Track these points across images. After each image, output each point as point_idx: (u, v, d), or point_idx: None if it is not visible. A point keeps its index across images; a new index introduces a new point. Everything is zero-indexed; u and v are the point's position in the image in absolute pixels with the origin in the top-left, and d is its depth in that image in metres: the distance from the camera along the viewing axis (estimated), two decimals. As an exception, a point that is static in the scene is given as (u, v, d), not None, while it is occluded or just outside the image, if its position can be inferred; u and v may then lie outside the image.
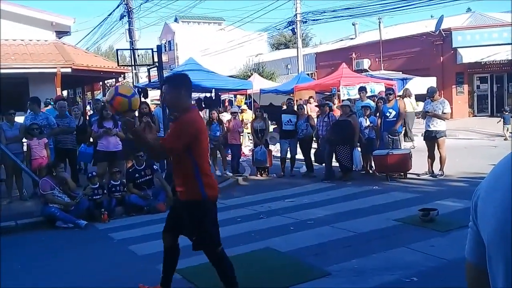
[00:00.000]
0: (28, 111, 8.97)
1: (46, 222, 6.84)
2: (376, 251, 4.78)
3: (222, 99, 20.72)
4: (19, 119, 8.91)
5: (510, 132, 13.92)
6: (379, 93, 13.53)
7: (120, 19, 21.16)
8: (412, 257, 4.57)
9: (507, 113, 14.46)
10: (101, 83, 19.88)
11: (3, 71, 13.47)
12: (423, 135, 9.24)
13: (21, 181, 8.30)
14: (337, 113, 10.87)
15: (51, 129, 8.64)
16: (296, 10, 23.14)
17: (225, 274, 3.69)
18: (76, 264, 5.15)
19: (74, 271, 4.91)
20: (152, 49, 9.62)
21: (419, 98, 20.42)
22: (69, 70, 13.98)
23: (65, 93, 21.82)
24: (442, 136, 8.82)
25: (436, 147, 8.83)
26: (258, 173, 10.44)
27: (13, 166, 8.08)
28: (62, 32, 16.93)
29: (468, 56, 21.24)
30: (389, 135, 9.32)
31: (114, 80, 17.80)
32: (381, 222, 5.90)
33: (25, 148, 8.35)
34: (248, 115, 15.46)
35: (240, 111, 12.12)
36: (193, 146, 3.46)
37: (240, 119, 12.14)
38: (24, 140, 8.41)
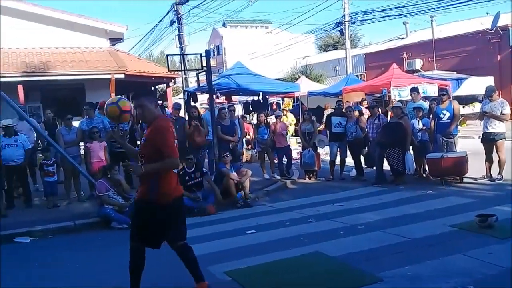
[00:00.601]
0: (85, 116, 9.35)
1: (102, 223, 7.12)
2: (430, 258, 4.61)
3: (269, 102, 20.79)
4: (76, 123, 9.33)
5: None
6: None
7: (170, 25, 21.73)
8: (469, 264, 4.37)
9: None
10: (152, 88, 20.45)
11: (62, 77, 14.19)
12: (481, 137, 8.83)
13: (79, 183, 8.68)
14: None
15: (106, 132, 8.97)
16: (344, 11, 22.84)
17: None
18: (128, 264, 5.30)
19: (125, 270, 5.06)
20: (200, 54, 9.79)
21: (474, 98, 19.65)
22: (122, 76, 14.51)
23: (118, 98, 22.60)
24: (501, 139, 8.40)
25: (494, 149, 8.43)
26: (307, 176, 10.36)
27: (71, 168, 8.46)
28: (115, 39, 17.63)
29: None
30: (443, 138, 8.98)
31: (165, 85, 18.25)
32: (436, 228, 5.69)
33: (81, 151, 8.72)
34: (289, 118, 15.41)
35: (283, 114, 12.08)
36: None
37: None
38: (81, 144, 8.80)
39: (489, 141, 8.50)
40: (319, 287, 4.08)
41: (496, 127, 8.40)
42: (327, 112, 17.95)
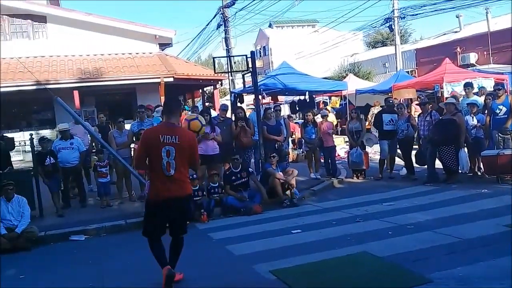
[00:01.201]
0: (137, 118, 9.66)
1: (152, 222, 7.30)
2: (483, 259, 4.40)
3: (316, 101, 20.60)
4: (128, 126, 9.66)
5: None
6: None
7: (217, 28, 22.05)
8: (525, 266, 4.14)
9: None
10: (200, 90, 20.83)
11: (114, 82, 14.74)
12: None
13: (130, 183, 8.97)
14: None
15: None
16: (393, 6, 22.27)
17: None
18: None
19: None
20: (246, 55, 9.86)
21: (535, 92, 18.56)
22: (171, 79, 14.87)
23: (168, 101, 23.18)
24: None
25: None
26: (355, 175, 10.19)
27: (123, 169, 8.76)
28: (164, 44, 18.09)
29: None
30: (499, 134, 8.56)
31: (212, 87, 18.54)
32: (490, 228, 5.43)
33: (132, 153, 9.01)
34: (330, 118, 15.15)
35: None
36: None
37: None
38: (132, 145, 9.09)
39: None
40: (366, 287, 3.99)
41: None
42: (375, 109, 17.61)
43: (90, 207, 8.64)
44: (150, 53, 16.68)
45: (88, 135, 9.71)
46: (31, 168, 8.25)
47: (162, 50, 17.91)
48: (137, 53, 16.49)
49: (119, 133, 9.09)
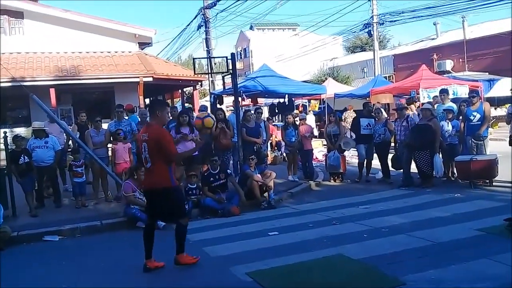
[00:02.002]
0: (115, 118, 9.56)
1: (128, 222, 7.25)
2: (455, 262, 4.50)
3: (295, 104, 20.71)
4: (105, 125, 9.55)
5: None
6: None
7: (198, 29, 21.94)
8: (496, 269, 4.25)
9: None
10: (180, 90, 20.71)
11: (92, 81, 14.54)
12: (509, 139, 8.57)
13: (106, 183, 8.87)
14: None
15: (133, 134, 9.15)
16: (372, 12, 22.58)
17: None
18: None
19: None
20: (226, 57, 9.86)
21: (507, 100, 19.10)
22: (150, 79, 14.75)
23: (147, 101, 23.02)
24: (530, 141, 8.16)
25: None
26: (332, 178, 10.29)
27: (99, 169, 8.66)
28: (144, 43, 17.92)
29: None
30: (473, 140, 8.77)
31: (192, 88, 18.46)
32: (463, 232, 5.56)
33: (109, 153, 8.92)
34: (310, 119, 15.26)
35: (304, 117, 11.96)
36: None
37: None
38: (109, 145, 8.99)
39: (519, 143, 8.26)
40: (340, 289, 4.04)
41: (525, 129, 8.17)
42: (349, 113, 17.86)
43: (65, 207, 8.50)
44: (130, 52, 16.50)
45: (64, 134, 9.57)
46: (4, 167, 8.06)
47: (142, 49, 17.74)
48: (116, 52, 16.29)
49: (96, 132, 8.98)
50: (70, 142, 10.16)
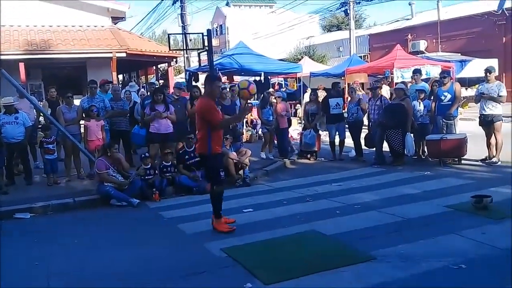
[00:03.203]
0: (88, 94, 9.36)
1: (101, 200, 7.19)
2: (424, 237, 4.66)
3: (271, 82, 20.70)
4: (77, 101, 9.34)
5: None
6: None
7: (173, 4, 21.54)
8: (462, 244, 4.42)
9: None
10: (154, 67, 20.39)
11: (63, 56, 14.16)
12: (479, 119, 8.81)
13: (79, 160, 8.74)
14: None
15: (106, 111, 9.00)
16: (349, -9, 22.55)
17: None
18: (127, 240, 5.39)
19: (124, 246, 5.15)
20: (202, 33, 9.75)
21: (478, 81, 19.55)
22: (123, 54, 14.46)
23: (120, 77, 22.61)
24: (498, 120, 8.40)
25: (492, 131, 8.45)
26: (307, 157, 10.39)
27: (71, 146, 8.51)
28: (117, 18, 17.48)
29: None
30: (443, 119, 8.97)
31: (166, 64, 18.19)
32: (432, 208, 5.73)
33: (82, 130, 8.76)
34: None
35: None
36: None
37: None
38: (81, 122, 8.82)
39: (487, 123, 8.49)
40: (313, 264, 4.13)
41: (494, 108, 8.38)
42: (320, 92, 17.90)
43: (36, 185, 8.35)
44: (102, 26, 16.09)
45: (34, 110, 9.32)
46: (-28, 143, 7.84)
47: (115, 24, 17.30)
48: (88, 26, 15.86)
49: (68, 108, 8.78)
50: (41, 118, 9.94)
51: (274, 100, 10.79)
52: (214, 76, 6.10)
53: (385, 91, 13.86)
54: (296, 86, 22.10)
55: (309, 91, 16.97)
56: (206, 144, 5.35)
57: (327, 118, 10.28)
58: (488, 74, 8.56)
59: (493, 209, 5.41)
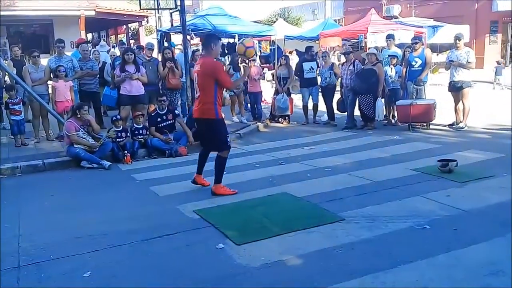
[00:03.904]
0: (55, 53, 9.04)
1: (72, 162, 7.10)
2: (391, 199, 4.81)
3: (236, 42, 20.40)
4: (44, 61, 9.03)
5: (499, 83, 16.17)
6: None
7: (144, -40, 20.66)
8: (427, 206, 4.59)
9: (499, 65, 16.43)
10: (125, 26, 19.79)
11: (29, 13, 13.55)
12: (448, 85, 8.99)
13: (48, 122, 8.55)
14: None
15: (75, 71, 8.75)
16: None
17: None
18: (99, 202, 5.38)
19: (96, 208, 5.14)
20: (174, -9, 9.46)
21: (449, 47, 19.79)
22: (92, 13, 13.97)
23: (89, 35, 21.87)
24: (468, 86, 8.60)
25: (460, 97, 8.66)
26: (279, 121, 10.44)
27: (39, 107, 8.29)
28: (85, -27, 16.71)
29: (504, 3, 20.18)
30: (414, 85, 9.11)
31: (137, 24, 17.67)
32: (399, 172, 5.90)
33: (50, 90, 8.52)
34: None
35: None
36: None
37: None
38: (49, 82, 8.57)
39: (457, 89, 8.68)
40: (284, 225, 4.23)
41: (463, 75, 8.55)
42: (291, 56, 17.80)
43: (3, 146, 8.15)
44: (69, -18, 15.39)
45: (-1, 69, 8.99)
46: None
47: (83, -20, 16.58)
48: (54, -18, 15.14)
49: (35, 68, 8.50)
50: (7, 78, 9.60)
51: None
52: (218, 37, 5.79)
53: None
54: (270, 49, 21.92)
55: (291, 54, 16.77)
56: (213, 108, 5.08)
57: (301, 82, 10.30)
58: (457, 41, 8.68)
59: (458, 172, 5.61)
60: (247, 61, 6.10)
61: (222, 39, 18.54)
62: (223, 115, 5.32)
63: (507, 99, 12.94)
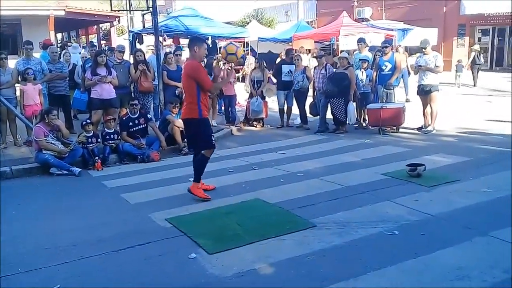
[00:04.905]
0: (23, 55, 8.82)
1: (40, 169, 6.94)
2: (361, 204, 4.90)
3: (219, 46, 20.35)
4: (12, 63, 8.80)
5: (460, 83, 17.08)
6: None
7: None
8: (396, 211, 4.69)
9: (460, 63, 17.40)
10: (96, 26, 19.47)
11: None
12: (417, 89, 9.19)
13: (15, 126, 8.34)
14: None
15: (44, 74, 8.56)
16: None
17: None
18: (68, 210, 5.28)
19: (65, 217, 5.05)
20: (146, -7, 9.37)
21: (419, 50, 20.20)
22: (62, 12, 13.69)
23: (59, 36, 21.43)
24: (436, 90, 8.82)
25: (429, 101, 8.87)
26: (253, 124, 10.46)
27: (6, 111, 8.07)
28: (54, -28, 16.36)
29: (471, 7, 20.76)
30: (384, 89, 9.27)
31: (108, 24, 17.41)
32: (370, 176, 6.00)
33: (18, 94, 8.31)
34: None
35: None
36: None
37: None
38: (17, 85, 8.36)
39: (425, 93, 8.88)
40: (257, 232, 4.25)
41: (431, 79, 8.76)
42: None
43: (-31, 152, 7.91)
44: (38, -19, 15.04)
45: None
46: None
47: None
48: (22, -19, 14.76)
49: (2, 71, 8.26)
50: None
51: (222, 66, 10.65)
52: (203, 40, 5.91)
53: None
54: (244, 51, 21.91)
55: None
56: (196, 108, 5.24)
57: (278, 84, 10.34)
58: (424, 49, 8.89)
59: (426, 176, 5.76)
60: (231, 65, 6.07)
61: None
62: (208, 115, 5.48)
63: (474, 102, 13.37)
